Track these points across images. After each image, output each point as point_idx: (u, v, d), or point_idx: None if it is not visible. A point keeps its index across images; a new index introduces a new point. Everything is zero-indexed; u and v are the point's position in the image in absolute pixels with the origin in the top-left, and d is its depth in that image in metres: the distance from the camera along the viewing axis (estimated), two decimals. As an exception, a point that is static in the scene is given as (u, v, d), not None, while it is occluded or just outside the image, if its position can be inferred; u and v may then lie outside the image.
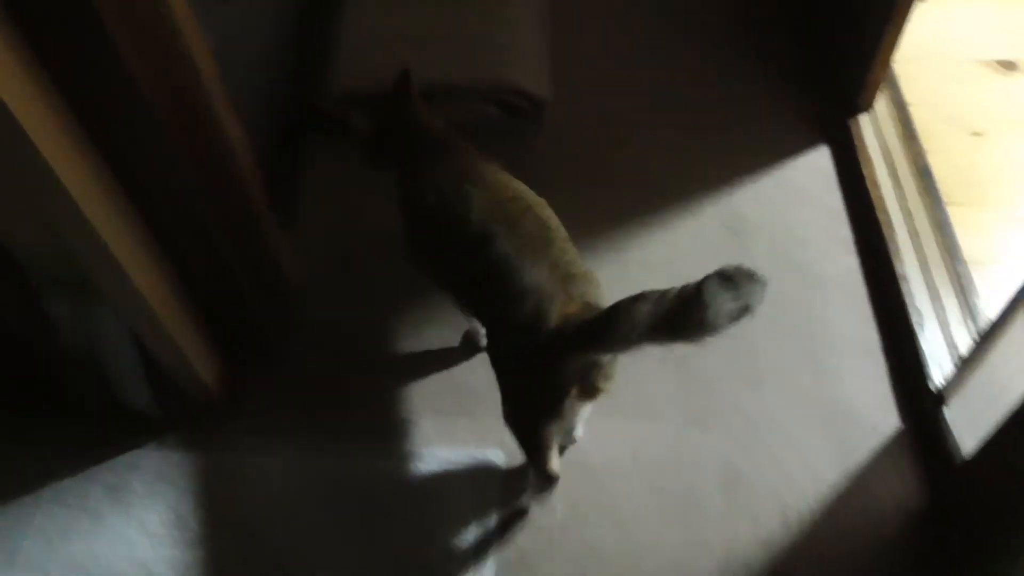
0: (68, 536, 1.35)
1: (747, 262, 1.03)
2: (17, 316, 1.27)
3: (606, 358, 1.16)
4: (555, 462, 1.27)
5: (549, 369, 1.13)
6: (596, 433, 1.45)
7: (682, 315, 0.99)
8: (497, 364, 1.25)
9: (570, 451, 1.43)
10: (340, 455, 1.44)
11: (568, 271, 1.19)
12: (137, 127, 1.09)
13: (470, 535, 1.35)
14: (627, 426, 1.47)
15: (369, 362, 1.57)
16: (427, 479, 1.42)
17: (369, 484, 1.41)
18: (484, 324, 1.31)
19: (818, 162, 1.87)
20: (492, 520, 1.37)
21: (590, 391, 1.19)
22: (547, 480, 1.30)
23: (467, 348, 1.57)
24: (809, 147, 1.90)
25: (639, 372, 1.52)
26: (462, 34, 1.84)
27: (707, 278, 0.99)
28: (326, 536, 1.35)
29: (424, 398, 1.51)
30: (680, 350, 1.52)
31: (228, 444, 1.46)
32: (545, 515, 1.38)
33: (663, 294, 1.01)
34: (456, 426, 1.47)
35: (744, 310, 0.99)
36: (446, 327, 1.59)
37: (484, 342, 1.46)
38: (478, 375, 1.52)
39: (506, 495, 1.39)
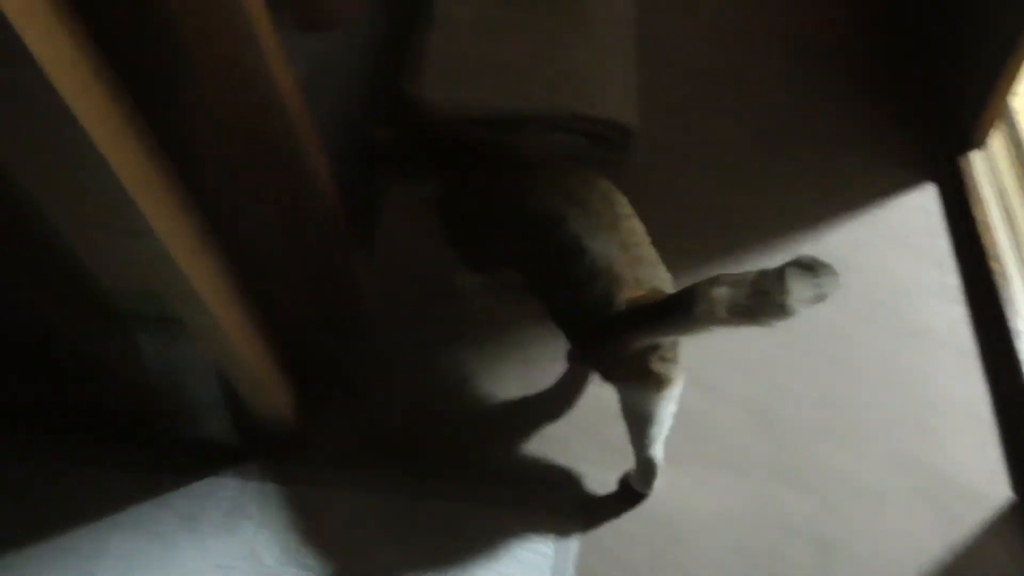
0: (144, 563, 1.36)
1: (841, 309, 0.99)
2: (108, 347, 1.29)
3: (667, 341, 1.17)
4: (660, 448, 1.32)
5: (611, 348, 1.18)
6: (678, 481, 1.39)
7: (762, 299, 1.02)
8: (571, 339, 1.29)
9: (653, 504, 1.38)
10: (412, 494, 1.41)
11: (638, 254, 1.20)
12: (222, 163, 1.08)
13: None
14: (711, 477, 1.40)
15: (442, 396, 1.54)
16: (499, 522, 1.38)
17: (440, 524, 1.38)
18: (550, 306, 1.29)
19: (923, 202, 1.76)
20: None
21: (650, 375, 1.19)
22: (652, 468, 1.35)
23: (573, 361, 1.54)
24: (913, 185, 1.79)
25: (726, 422, 1.45)
26: (549, 62, 1.80)
27: (789, 264, 1.02)
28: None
29: (499, 437, 1.47)
30: (769, 404, 1.46)
31: (301, 477, 1.45)
32: (620, 566, 1.32)
33: (740, 278, 1.04)
34: (533, 469, 1.43)
35: (819, 298, 1.03)
36: (522, 363, 1.55)
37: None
38: (557, 423, 1.48)
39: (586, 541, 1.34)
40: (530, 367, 1.55)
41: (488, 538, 1.36)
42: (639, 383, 1.20)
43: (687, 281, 1.63)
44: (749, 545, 1.33)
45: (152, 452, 1.48)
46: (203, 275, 1.11)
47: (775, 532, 1.34)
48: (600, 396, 1.49)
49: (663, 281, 1.21)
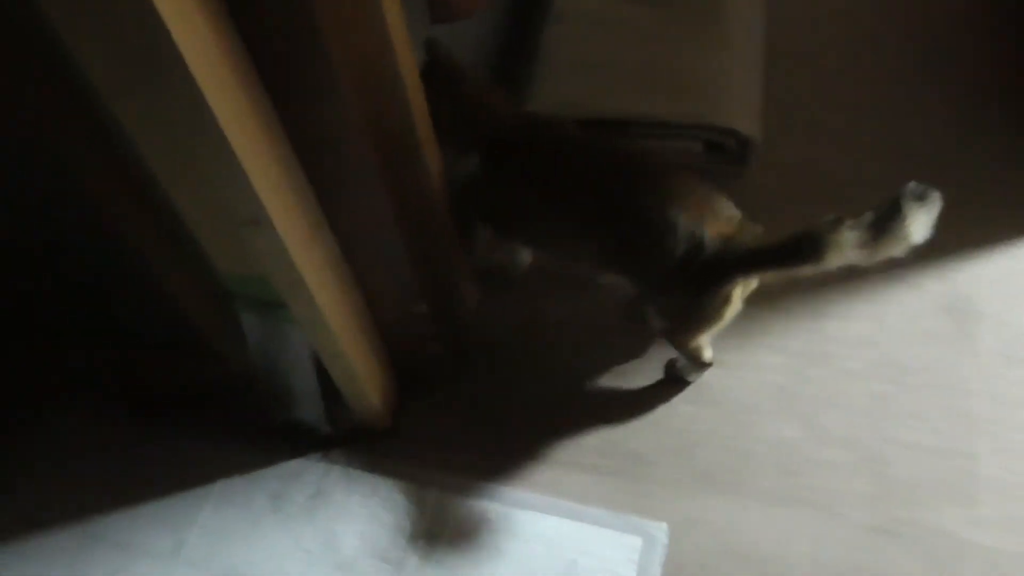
0: (229, 538, 1.39)
1: (970, 354, 0.94)
2: (213, 325, 1.32)
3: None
4: (709, 351, 1.42)
5: (716, 287, 1.22)
6: (773, 518, 1.33)
7: (884, 234, 1.08)
8: (652, 293, 1.33)
9: (744, 536, 1.32)
10: (499, 499, 1.39)
11: (707, 189, 1.25)
12: (345, 156, 1.08)
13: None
14: (808, 519, 1.32)
15: (533, 400, 1.51)
16: (581, 532, 1.35)
17: (526, 528, 1.35)
18: (628, 269, 1.33)
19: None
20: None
21: (732, 303, 1.28)
22: (704, 366, 1.45)
23: (631, 316, 1.52)
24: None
25: (829, 463, 1.37)
26: (672, 66, 1.73)
27: (903, 197, 1.07)
28: (459, 574, 1.32)
29: (587, 451, 1.43)
30: (877, 450, 1.38)
31: (387, 468, 1.45)
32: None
33: (858, 219, 1.09)
34: (617, 489, 1.39)
35: (932, 223, 1.09)
36: (617, 368, 1.52)
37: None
38: (645, 439, 1.43)
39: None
40: (624, 362, 1.53)
41: (566, 550, 1.33)
42: (721, 314, 1.27)
43: (801, 326, 1.58)
44: (841, 594, 1.27)
45: (245, 430, 1.50)
46: (313, 266, 1.12)
47: (871, 583, 1.27)
48: (695, 417, 1.45)
49: (734, 209, 1.25)
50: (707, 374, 1.48)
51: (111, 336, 1.50)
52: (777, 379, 1.48)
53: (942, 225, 1.64)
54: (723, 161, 1.72)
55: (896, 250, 1.09)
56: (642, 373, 1.52)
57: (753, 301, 1.36)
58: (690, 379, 1.48)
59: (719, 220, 1.22)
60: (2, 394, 1.60)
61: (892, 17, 2.07)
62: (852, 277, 1.59)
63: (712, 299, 1.25)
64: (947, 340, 1.49)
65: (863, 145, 1.81)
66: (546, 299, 1.64)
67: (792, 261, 1.16)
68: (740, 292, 1.26)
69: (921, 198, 1.07)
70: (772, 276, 1.22)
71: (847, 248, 1.10)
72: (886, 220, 1.08)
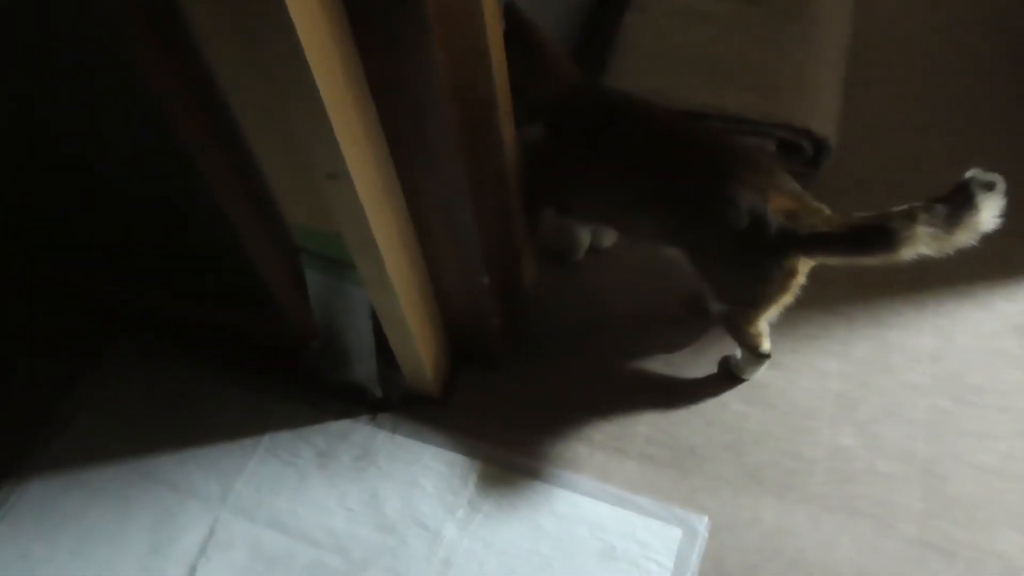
0: (276, 489, 1.41)
1: None
2: (276, 281, 1.33)
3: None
4: (768, 342, 1.39)
5: (779, 262, 1.21)
6: (820, 522, 1.30)
7: (956, 225, 1.07)
8: (712, 269, 1.30)
9: (789, 539, 1.29)
10: (541, 476, 1.39)
11: (765, 165, 1.24)
12: (428, 121, 1.08)
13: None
14: (856, 526, 1.30)
15: (585, 383, 1.51)
16: (623, 519, 1.34)
17: (566, 510, 1.35)
18: (688, 244, 1.30)
19: None
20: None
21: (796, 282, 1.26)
22: (763, 358, 1.41)
23: (693, 309, 1.51)
24: None
25: (883, 473, 1.34)
26: (753, 62, 1.70)
27: (974, 187, 1.06)
28: (495, 547, 1.32)
29: (635, 439, 1.42)
30: (933, 464, 1.34)
31: (432, 437, 1.45)
32: (741, 602, 1.26)
33: (932, 210, 1.08)
34: (662, 479, 1.38)
35: (1000, 211, 1.07)
36: (671, 359, 1.51)
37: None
38: (695, 432, 1.42)
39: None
40: (678, 353, 1.51)
41: (607, 534, 1.32)
42: (785, 288, 1.25)
43: (864, 334, 1.54)
44: (885, 608, 1.24)
45: (297, 386, 1.53)
46: (384, 226, 1.12)
47: (917, 600, 1.24)
48: (748, 416, 1.43)
49: (796, 184, 1.24)
50: (763, 375, 1.45)
51: (180, 283, 1.53)
52: (836, 385, 1.45)
53: (1014, 245, 1.60)
54: (796, 162, 1.69)
55: (966, 240, 1.09)
56: (696, 366, 1.50)
57: (813, 304, 1.33)
58: (745, 376, 1.46)
59: (782, 195, 1.20)
60: (72, 329, 1.65)
61: (975, 25, 2.01)
62: (917, 288, 1.55)
63: (775, 274, 1.22)
64: (1018, 362, 1.44)
65: (939, 155, 1.75)
66: (604, 284, 1.63)
67: (862, 251, 1.15)
68: (804, 267, 1.24)
69: (988, 186, 1.06)
70: (838, 261, 1.20)
71: (920, 243, 1.09)
72: (958, 211, 1.07)
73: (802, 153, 1.66)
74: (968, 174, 1.08)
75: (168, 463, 1.46)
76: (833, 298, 1.55)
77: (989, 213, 1.06)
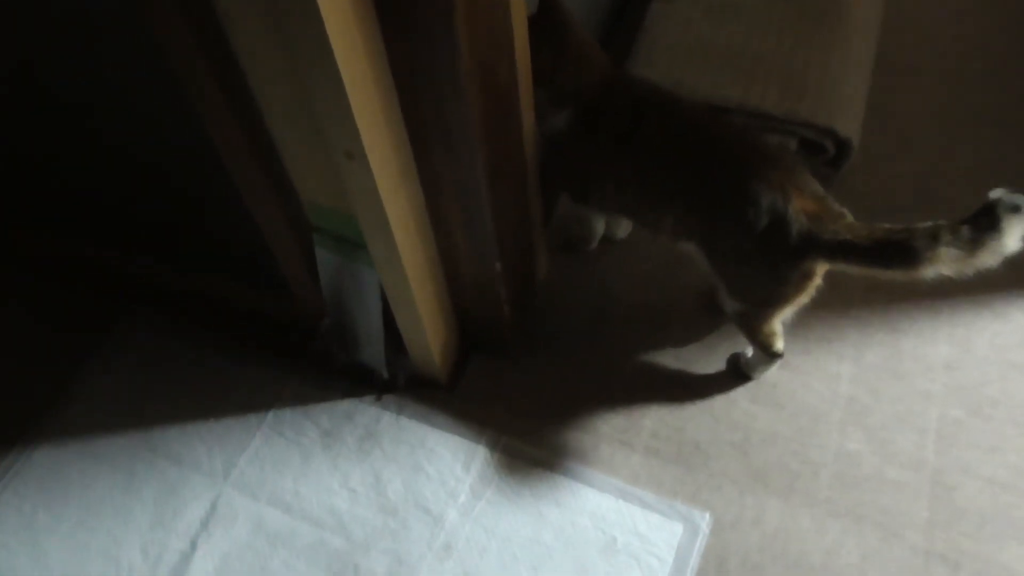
0: (279, 468, 1.41)
1: None
2: (287, 259, 1.33)
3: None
4: (781, 342, 1.37)
5: (797, 264, 1.20)
6: (824, 526, 1.29)
7: (979, 246, 1.06)
8: (730, 267, 1.28)
9: (792, 541, 1.29)
10: (545, 465, 1.39)
11: (788, 164, 1.22)
12: (448, 104, 1.06)
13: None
14: (861, 531, 1.29)
15: (593, 374, 1.50)
16: (623, 512, 1.33)
17: (569, 500, 1.35)
18: (707, 241, 1.29)
19: None
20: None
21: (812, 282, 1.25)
22: (775, 358, 1.40)
23: (707, 306, 1.50)
24: None
25: (891, 480, 1.33)
26: (779, 59, 1.68)
27: (1001, 208, 1.04)
28: (496, 534, 1.32)
29: (641, 432, 1.41)
30: (942, 474, 1.33)
31: (437, 422, 1.45)
32: (740, 601, 1.25)
33: (956, 231, 1.07)
34: (667, 474, 1.37)
35: None
36: (680, 354, 1.49)
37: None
38: (702, 429, 1.41)
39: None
40: (688, 349, 1.50)
41: (609, 526, 1.32)
42: (801, 290, 1.24)
43: (876, 339, 1.51)
44: (886, 615, 1.23)
45: (303, 365, 1.52)
46: (398, 207, 1.11)
47: (919, 609, 1.23)
48: (756, 415, 1.42)
49: (819, 186, 1.22)
50: (773, 375, 1.44)
51: (189, 259, 1.53)
52: (846, 389, 1.43)
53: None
54: (817, 162, 1.67)
55: (989, 262, 1.07)
56: (706, 362, 1.49)
57: (827, 307, 1.32)
58: (754, 375, 1.44)
59: (804, 196, 1.18)
60: (81, 303, 1.66)
61: (1005, 33, 1.97)
62: (933, 296, 1.53)
63: (792, 275, 1.21)
64: (1041, 380, 1.42)
65: (960, 160, 1.73)
66: (617, 275, 1.62)
67: (883, 264, 1.13)
68: (822, 269, 1.22)
69: (1015, 208, 1.04)
70: (856, 270, 1.18)
71: (941, 263, 1.08)
72: (982, 233, 1.05)
73: (824, 153, 1.64)
74: (994, 195, 1.06)
75: (173, 437, 1.46)
76: (847, 301, 1.53)
77: (1014, 237, 1.05)
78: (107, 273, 1.65)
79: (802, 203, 1.17)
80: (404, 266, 1.19)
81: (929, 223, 1.09)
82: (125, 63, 1.13)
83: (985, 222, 1.05)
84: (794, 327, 1.38)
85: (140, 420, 1.49)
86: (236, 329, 1.58)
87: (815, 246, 1.16)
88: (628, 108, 1.30)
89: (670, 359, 1.50)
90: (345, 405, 1.48)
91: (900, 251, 1.10)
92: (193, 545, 1.35)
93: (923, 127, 1.80)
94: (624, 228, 1.63)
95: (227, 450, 1.44)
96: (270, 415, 1.47)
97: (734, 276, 1.29)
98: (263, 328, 1.57)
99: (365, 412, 1.47)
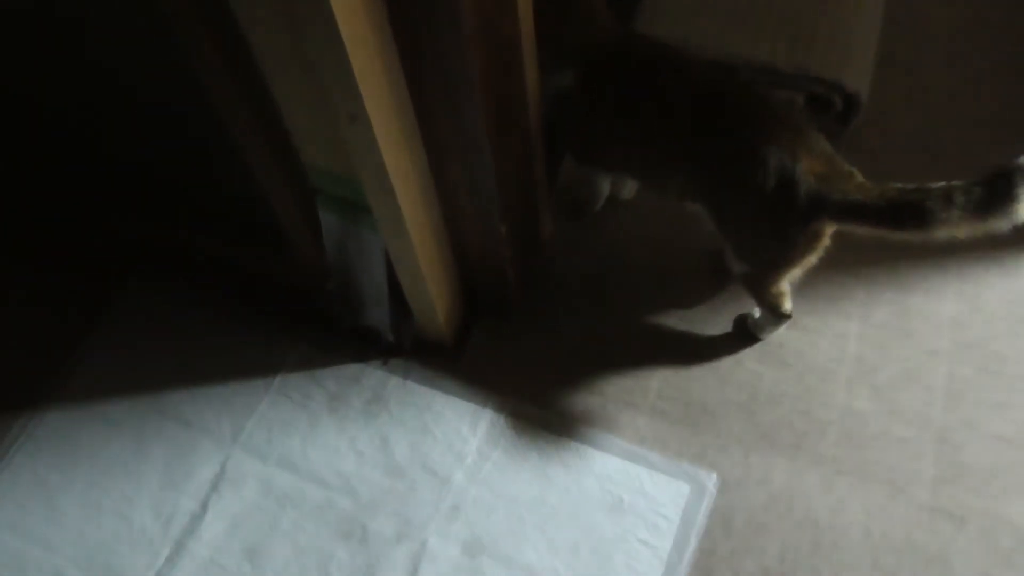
0: (287, 430, 1.42)
1: None
2: (295, 222, 1.32)
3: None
4: (789, 302, 1.36)
5: (806, 226, 1.18)
6: (832, 484, 1.30)
7: (992, 208, 1.04)
8: (738, 228, 1.27)
9: (798, 500, 1.29)
10: (551, 429, 1.39)
11: (795, 123, 1.20)
12: (448, 63, 1.04)
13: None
14: (868, 490, 1.29)
15: (599, 336, 1.49)
16: (629, 472, 1.34)
17: (576, 463, 1.35)
18: (714, 202, 1.28)
19: None
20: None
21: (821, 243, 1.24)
22: (783, 318, 1.39)
23: (716, 265, 1.48)
24: None
25: (898, 438, 1.33)
26: (787, 12, 1.64)
27: (1015, 172, 1.02)
28: (503, 495, 1.33)
29: (647, 393, 1.42)
30: (949, 432, 1.33)
31: (444, 385, 1.45)
32: (746, 553, 1.27)
33: (969, 191, 1.05)
34: (673, 434, 1.37)
35: None
36: (686, 315, 1.49)
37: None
38: (708, 389, 1.41)
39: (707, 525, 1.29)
40: (694, 310, 1.50)
41: (615, 486, 1.33)
42: (811, 249, 1.23)
43: (883, 298, 1.50)
44: (892, 571, 1.24)
45: (310, 329, 1.52)
46: (401, 169, 1.10)
47: (924, 564, 1.24)
48: (763, 375, 1.41)
49: (829, 146, 1.20)
50: (780, 335, 1.43)
51: (194, 220, 1.52)
52: (854, 348, 1.43)
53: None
54: (825, 118, 1.64)
55: (999, 227, 1.06)
56: (712, 323, 1.48)
57: (834, 265, 1.30)
58: (762, 336, 1.44)
59: (812, 156, 1.16)
60: (87, 266, 1.65)
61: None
62: (941, 253, 1.52)
63: (800, 237, 1.20)
64: (1048, 334, 1.41)
65: (971, 114, 1.69)
66: (622, 237, 1.61)
67: (891, 225, 1.12)
68: (830, 229, 1.21)
69: None
70: (866, 230, 1.16)
71: (951, 225, 1.06)
72: (996, 198, 1.03)
73: (832, 108, 1.61)
74: (1018, 161, 1.03)
75: (181, 400, 1.47)
76: (855, 260, 1.51)
77: None
78: (111, 236, 1.64)
79: (810, 163, 1.15)
80: (408, 229, 1.18)
81: (943, 183, 1.07)
82: (122, 23, 1.12)
83: (1002, 186, 1.03)
84: (801, 286, 1.37)
85: (148, 384, 1.49)
86: (241, 292, 1.58)
87: (824, 207, 1.14)
88: (634, 67, 1.27)
89: (676, 320, 1.49)
90: (352, 369, 1.48)
91: (912, 213, 1.08)
92: (204, 506, 1.36)
93: (935, 80, 1.76)
94: (629, 189, 1.61)
95: (235, 413, 1.45)
96: (277, 378, 1.48)
97: (741, 238, 1.28)
98: (268, 292, 1.56)
99: (372, 375, 1.48)
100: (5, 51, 1.28)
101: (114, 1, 1.09)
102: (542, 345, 1.49)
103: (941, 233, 1.08)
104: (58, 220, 1.64)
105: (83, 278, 1.64)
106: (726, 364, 1.44)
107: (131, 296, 1.62)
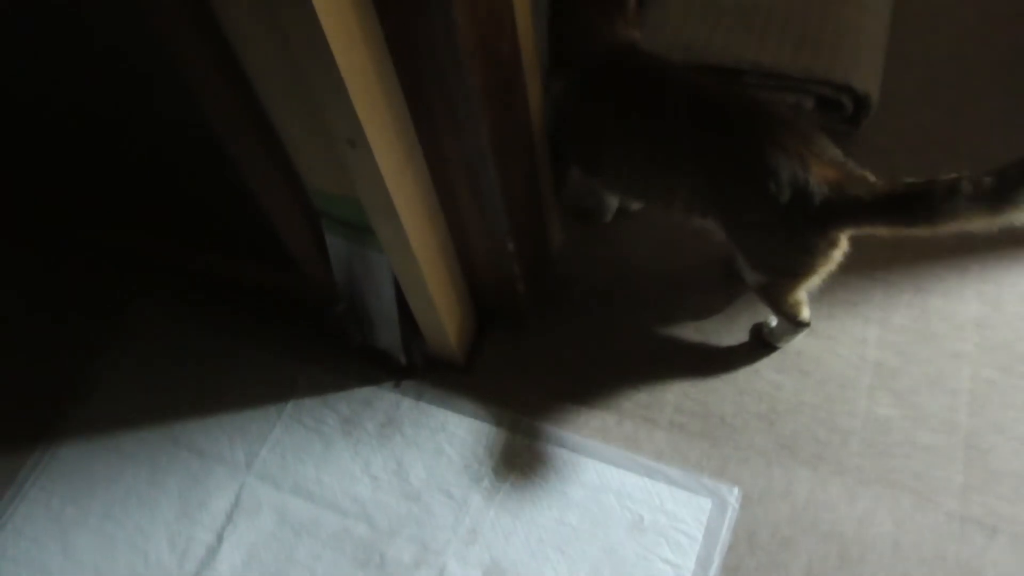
0: (301, 456, 1.41)
1: None
2: (301, 246, 1.31)
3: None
4: (807, 310, 1.34)
5: (822, 234, 1.16)
6: (857, 495, 1.27)
7: (1002, 203, 1.01)
8: (751, 241, 1.25)
9: (823, 512, 1.26)
10: (560, 443, 1.37)
11: (804, 130, 1.17)
12: (449, 81, 1.03)
13: None
14: (894, 499, 1.26)
15: (613, 350, 1.47)
16: (650, 490, 1.31)
17: (592, 479, 1.33)
18: (725, 216, 1.25)
19: None
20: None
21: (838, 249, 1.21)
22: (801, 326, 1.37)
23: (729, 274, 1.45)
24: None
25: (924, 445, 1.30)
26: (793, 14, 1.62)
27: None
28: (522, 517, 1.31)
29: (664, 407, 1.39)
30: (976, 437, 1.29)
31: (457, 405, 1.44)
32: (771, 569, 1.23)
33: (979, 184, 1.02)
34: (692, 448, 1.34)
35: None
36: (700, 326, 1.46)
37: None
38: (727, 401, 1.38)
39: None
40: (708, 320, 1.47)
41: (635, 504, 1.30)
42: (828, 258, 1.20)
43: (902, 300, 1.47)
44: (922, 582, 1.21)
45: (320, 352, 1.51)
46: (404, 191, 1.09)
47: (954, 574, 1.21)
48: (782, 385, 1.39)
49: (838, 152, 1.17)
50: (798, 342, 1.41)
51: (200, 240, 1.51)
52: (874, 353, 1.40)
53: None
54: (835, 119, 1.61)
55: (1013, 221, 1.03)
56: (727, 333, 1.46)
57: (851, 269, 1.27)
58: (779, 344, 1.41)
59: (823, 163, 1.13)
60: (102, 289, 1.65)
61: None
62: (961, 253, 1.49)
63: (817, 246, 1.17)
64: (1072, 337, 1.38)
65: (983, 114, 1.66)
66: (632, 249, 1.59)
67: (904, 219, 1.10)
68: (847, 235, 1.19)
69: None
70: (882, 231, 1.14)
71: (962, 217, 1.04)
72: (1010, 191, 1.01)
73: (842, 110, 1.59)
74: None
75: (194, 429, 1.46)
76: (872, 263, 1.49)
77: None
78: (120, 260, 1.64)
79: (822, 171, 1.12)
80: (413, 250, 1.16)
81: (952, 175, 1.05)
82: (125, 52, 1.12)
83: (1014, 177, 1.00)
84: (817, 291, 1.34)
85: (160, 413, 1.49)
86: (252, 317, 1.57)
87: (839, 214, 1.12)
88: (635, 77, 1.25)
89: (691, 331, 1.47)
90: (364, 391, 1.47)
91: (920, 205, 1.06)
92: (219, 537, 1.35)
93: (946, 77, 1.74)
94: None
95: (248, 440, 1.43)
96: (290, 404, 1.46)
97: (756, 249, 1.25)
98: (279, 315, 1.55)
99: (384, 398, 1.46)
100: (30, 72, 1.29)
101: (126, 47, 1.10)
102: (555, 360, 1.47)
103: (953, 226, 1.05)
104: (68, 244, 1.64)
105: (91, 309, 1.65)
106: (743, 374, 1.41)
107: (137, 319, 1.62)
